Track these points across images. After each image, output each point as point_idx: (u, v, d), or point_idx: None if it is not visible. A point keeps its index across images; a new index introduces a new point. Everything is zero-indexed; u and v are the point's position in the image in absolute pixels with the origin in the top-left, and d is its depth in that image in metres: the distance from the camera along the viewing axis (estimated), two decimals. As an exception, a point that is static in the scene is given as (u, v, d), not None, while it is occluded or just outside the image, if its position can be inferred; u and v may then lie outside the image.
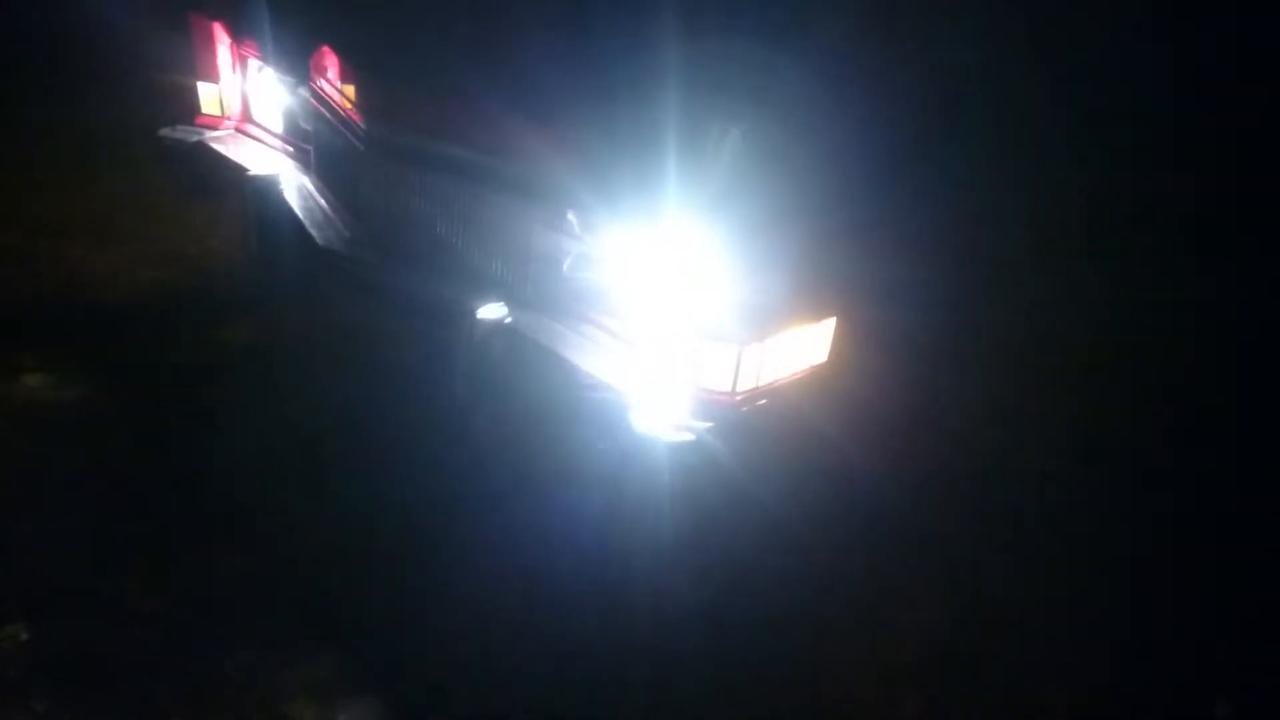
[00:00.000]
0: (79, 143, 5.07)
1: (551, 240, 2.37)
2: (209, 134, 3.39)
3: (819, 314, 2.19)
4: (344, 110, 2.80)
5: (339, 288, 2.80)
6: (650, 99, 2.14)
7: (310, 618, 2.32)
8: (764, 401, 2.13)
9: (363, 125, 2.70)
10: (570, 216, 2.29)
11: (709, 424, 2.08)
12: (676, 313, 2.11)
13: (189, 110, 3.48)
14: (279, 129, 3.32)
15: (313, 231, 2.81)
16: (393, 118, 2.65)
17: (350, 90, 2.82)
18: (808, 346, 2.20)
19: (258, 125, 3.41)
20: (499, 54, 2.56)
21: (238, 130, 3.45)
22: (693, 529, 2.27)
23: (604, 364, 2.24)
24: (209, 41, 3.34)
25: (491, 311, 2.38)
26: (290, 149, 3.27)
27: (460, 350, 2.42)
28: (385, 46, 2.81)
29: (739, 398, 2.09)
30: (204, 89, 3.40)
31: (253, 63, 3.32)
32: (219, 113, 3.43)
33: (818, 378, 2.26)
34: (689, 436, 2.05)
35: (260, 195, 2.99)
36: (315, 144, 3.03)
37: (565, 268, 2.36)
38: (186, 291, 3.80)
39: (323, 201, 2.93)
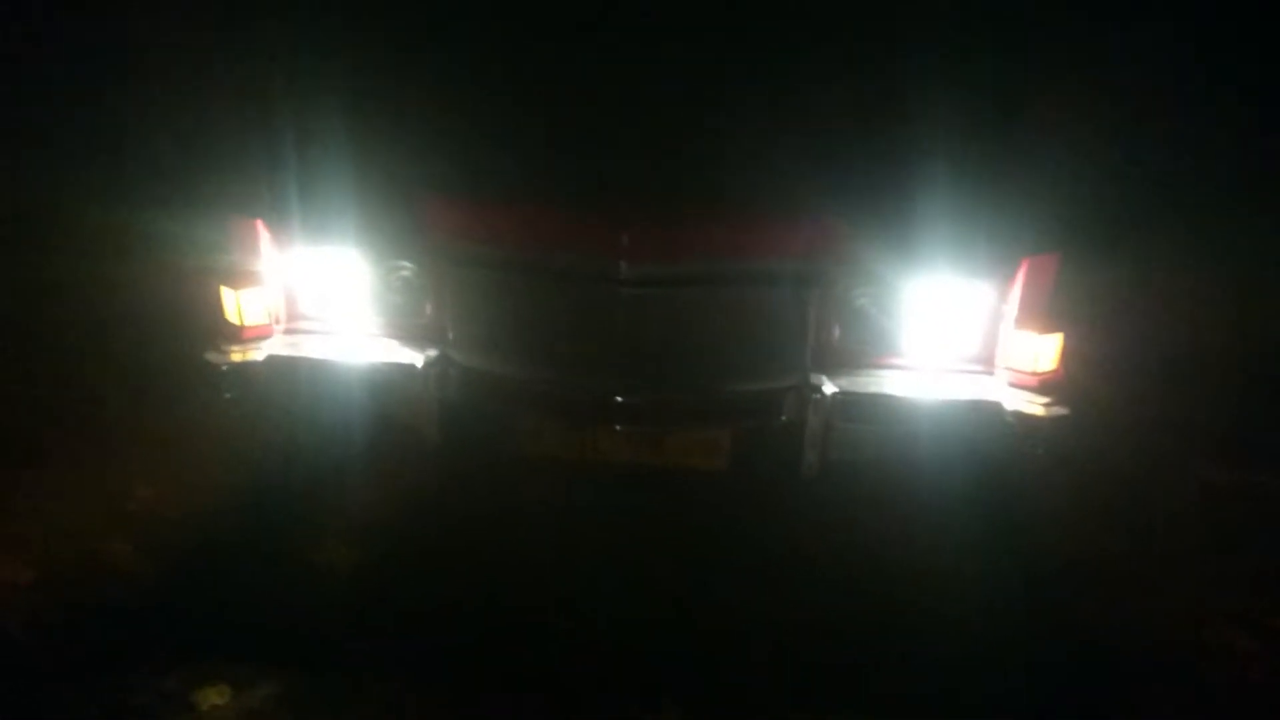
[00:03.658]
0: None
1: (856, 304, 2.75)
2: (266, 344, 2.95)
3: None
4: (548, 254, 2.71)
5: (601, 424, 2.76)
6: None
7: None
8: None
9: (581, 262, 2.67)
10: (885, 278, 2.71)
11: (1052, 397, 2.70)
12: (1019, 319, 2.69)
13: (212, 325, 2.95)
14: (374, 313, 2.99)
15: (546, 385, 2.74)
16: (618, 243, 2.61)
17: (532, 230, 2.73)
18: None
19: (326, 321, 3.03)
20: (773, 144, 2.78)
21: (290, 333, 3.03)
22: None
23: (946, 385, 2.72)
24: (251, 243, 2.91)
25: (828, 384, 2.69)
26: (398, 329, 2.98)
27: (808, 427, 2.68)
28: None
29: (1061, 373, 2.74)
30: (245, 296, 2.93)
31: (307, 255, 2.96)
32: (265, 320, 2.98)
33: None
34: (1064, 410, 2.64)
35: (440, 378, 2.79)
36: (484, 309, 2.84)
37: (873, 323, 2.76)
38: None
39: (526, 359, 2.81)
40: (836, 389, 2.69)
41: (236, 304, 2.93)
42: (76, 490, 3.11)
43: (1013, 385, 2.74)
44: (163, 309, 3.04)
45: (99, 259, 3.42)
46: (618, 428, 2.75)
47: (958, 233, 2.68)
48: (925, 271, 2.73)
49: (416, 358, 2.85)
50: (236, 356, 2.90)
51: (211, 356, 2.89)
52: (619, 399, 2.72)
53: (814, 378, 2.71)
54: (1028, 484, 2.75)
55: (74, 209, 3.67)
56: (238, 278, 2.92)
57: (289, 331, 3.03)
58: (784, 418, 2.73)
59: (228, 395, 2.89)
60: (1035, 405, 2.66)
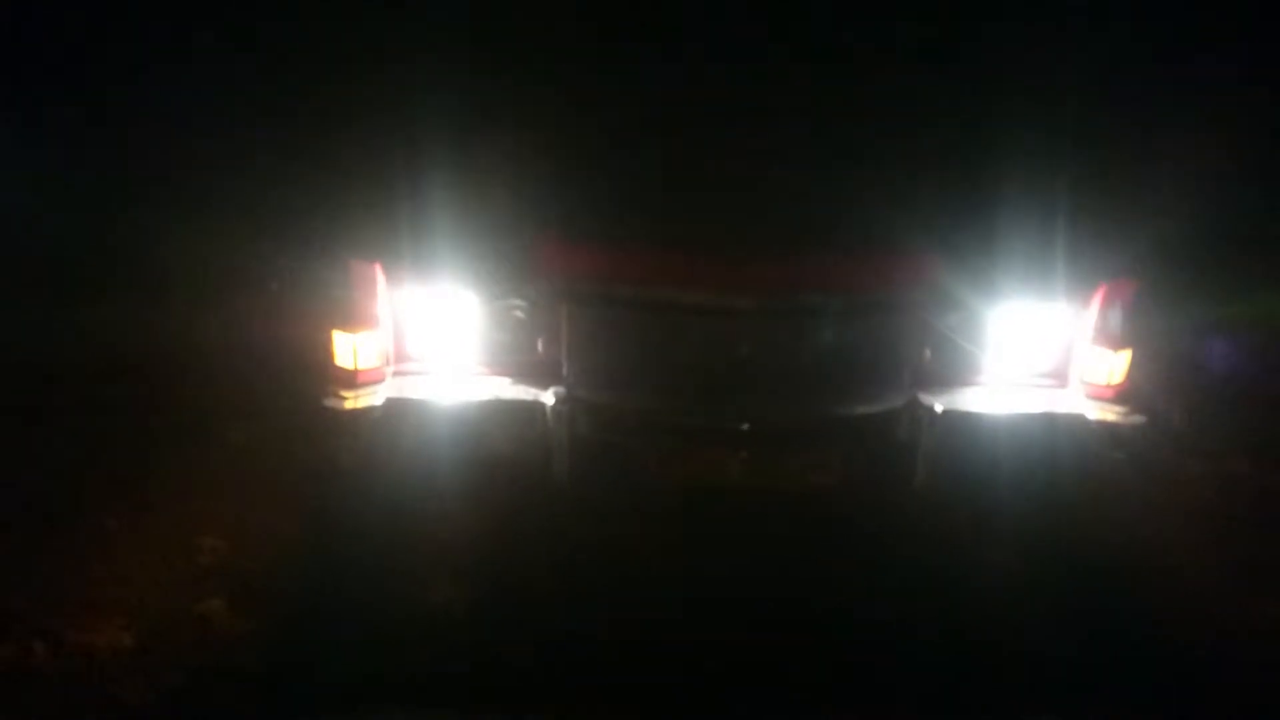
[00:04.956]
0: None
1: (946, 328, 3.01)
2: (382, 388, 2.95)
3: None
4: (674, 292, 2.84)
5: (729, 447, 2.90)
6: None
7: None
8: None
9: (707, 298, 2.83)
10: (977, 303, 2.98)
11: (1128, 406, 3.03)
12: (1095, 337, 3.01)
13: (317, 370, 2.92)
14: (483, 352, 3.03)
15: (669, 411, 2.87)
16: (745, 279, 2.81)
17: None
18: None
19: (433, 361, 3.05)
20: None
21: (399, 375, 3.03)
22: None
23: (1031, 399, 3.01)
24: (369, 286, 2.90)
25: (938, 403, 2.93)
26: (508, 367, 3.03)
27: (921, 442, 2.91)
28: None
29: (1130, 385, 3.08)
30: (360, 340, 2.92)
31: (420, 297, 2.98)
32: (379, 363, 2.98)
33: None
34: (1142, 418, 2.97)
35: (570, 414, 2.86)
36: (597, 342, 2.93)
37: (960, 346, 3.02)
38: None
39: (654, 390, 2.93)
40: (944, 407, 2.94)
41: (352, 348, 2.91)
42: (177, 543, 2.97)
43: (1089, 397, 3.06)
44: (275, 353, 2.95)
45: (209, 304, 3.29)
46: (745, 453, 2.90)
47: (1041, 263, 2.99)
48: (1010, 298, 3.02)
49: (542, 395, 2.92)
50: (352, 403, 2.89)
51: (329, 403, 2.87)
52: (746, 426, 2.88)
53: (923, 397, 2.95)
54: (1108, 485, 3.07)
55: (189, 253, 3.51)
56: (353, 321, 2.91)
57: (398, 374, 3.04)
58: (899, 435, 2.96)
59: (347, 441, 2.87)
60: (1114, 414, 2.99)
